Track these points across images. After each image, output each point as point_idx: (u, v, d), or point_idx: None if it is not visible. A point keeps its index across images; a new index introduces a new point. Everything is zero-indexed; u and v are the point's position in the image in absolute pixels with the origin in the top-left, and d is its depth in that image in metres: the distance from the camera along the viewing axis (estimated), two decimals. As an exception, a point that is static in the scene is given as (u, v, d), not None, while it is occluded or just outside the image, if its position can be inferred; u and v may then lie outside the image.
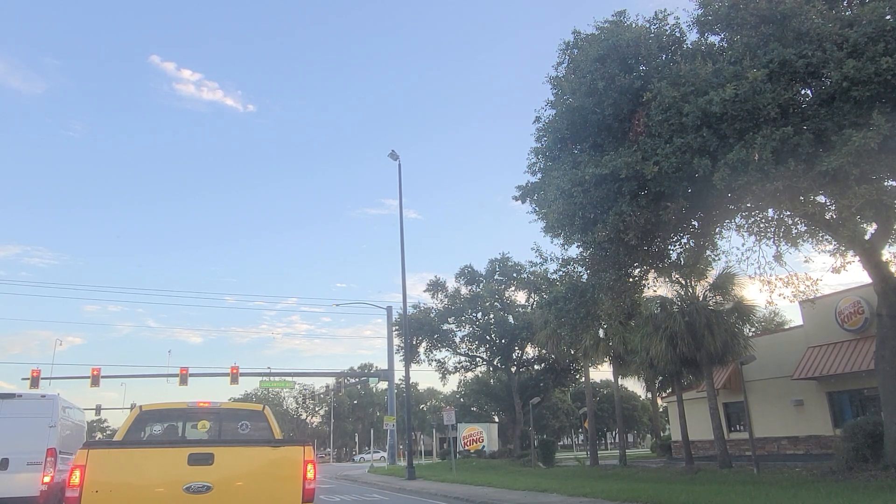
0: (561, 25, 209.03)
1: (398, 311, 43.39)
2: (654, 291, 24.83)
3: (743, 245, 18.54)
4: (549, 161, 18.04)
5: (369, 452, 70.60)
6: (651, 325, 24.78)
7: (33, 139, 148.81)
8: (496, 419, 63.72)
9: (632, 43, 15.62)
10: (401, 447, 49.39)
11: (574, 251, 19.18)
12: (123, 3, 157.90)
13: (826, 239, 17.48)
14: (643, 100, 14.81)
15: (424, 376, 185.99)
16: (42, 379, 39.70)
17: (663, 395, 42.86)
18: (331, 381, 77.14)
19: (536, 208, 18.14)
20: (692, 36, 16.41)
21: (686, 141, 13.94)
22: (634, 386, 50.71)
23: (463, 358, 47.48)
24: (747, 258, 18.48)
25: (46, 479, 11.83)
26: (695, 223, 18.38)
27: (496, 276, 46.23)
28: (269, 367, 51.28)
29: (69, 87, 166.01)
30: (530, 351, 45.23)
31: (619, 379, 35.57)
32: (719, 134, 13.85)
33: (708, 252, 20.29)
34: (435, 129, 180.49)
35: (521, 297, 45.87)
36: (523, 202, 18.76)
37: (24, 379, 39.29)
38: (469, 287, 46.42)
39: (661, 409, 55.25)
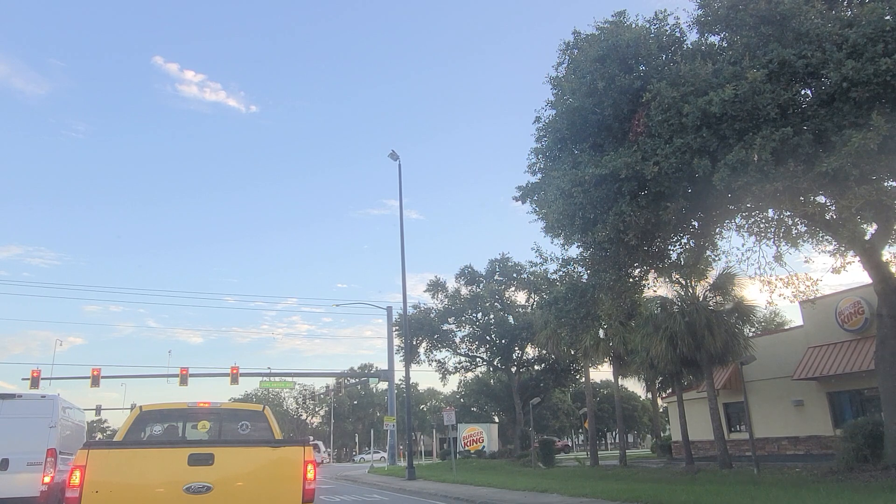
0: (561, 25, 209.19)
1: (398, 312, 43.47)
2: (654, 292, 24.85)
3: (743, 245, 18.58)
4: (549, 161, 18.06)
5: (369, 453, 70.60)
6: (651, 325, 24.78)
7: (36, 140, 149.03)
8: (496, 419, 63.71)
9: (632, 43, 15.63)
10: (401, 447, 49.42)
11: (574, 251, 19.20)
12: (127, 5, 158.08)
13: (826, 239, 17.49)
14: (643, 100, 14.81)
15: (424, 376, 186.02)
16: (42, 379, 39.71)
17: (663, 395, 42.85)
18: (331, 381, 77.16)
19: (536, 208, 18.15)
20: (692, 36, 16.44)
21: (686, 141, 13.95)
22: (634, 386, 50.65)
23: (463, 358, 47.48)
24: (747, 258, 18.51)
25: (46, 480, 11.84)
26: (695, 223, 18.38)
27: (496, 277, 46.22)
28: (269, 368, 51.28)
29: (73, 89, 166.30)
30: (530, 351, 45.22)
31: (620, 379, 35.56)
32: (719, 134, 13.85)
33: (708, 252, 20.29)
34: (435, 129, 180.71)
35: (521, 297, 45.92)
36: (523, 202, 18.78)
37: (24, 379, 39.36)
38: (469, 287, 46.42)
39: (661, 410, 55.22)
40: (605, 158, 15.13)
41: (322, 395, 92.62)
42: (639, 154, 14.76)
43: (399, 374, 47.78)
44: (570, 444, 65.37)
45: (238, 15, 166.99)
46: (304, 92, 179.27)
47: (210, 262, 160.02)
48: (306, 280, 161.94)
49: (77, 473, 6.02)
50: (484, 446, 49.75)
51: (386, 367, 50.71)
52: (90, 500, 5.99)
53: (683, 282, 24.60)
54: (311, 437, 72.00)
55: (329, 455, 74.61)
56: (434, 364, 46.56)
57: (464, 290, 46.38)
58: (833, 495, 12.41)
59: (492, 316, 44.98)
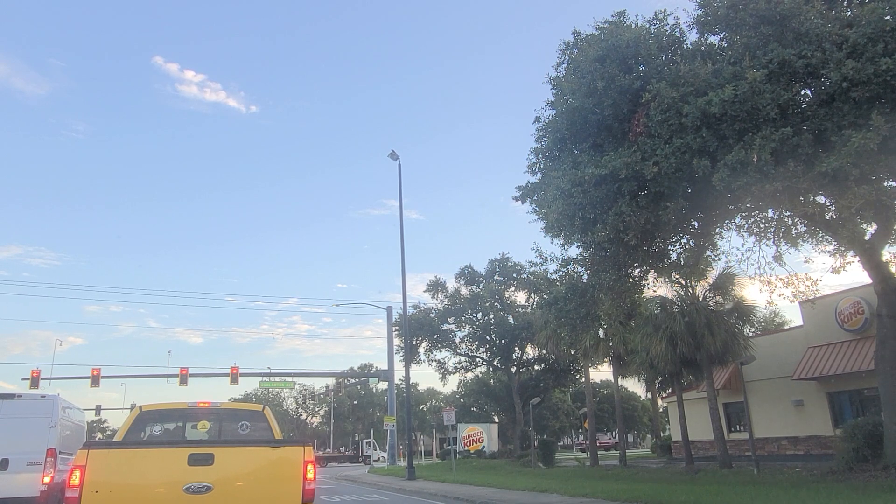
0: (561, 25, 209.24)
1: (398, 312, 43.46)
2: (654, 292, 24.85)
3: (743, 245, 18.58)
4: (549, 161, 18.06)
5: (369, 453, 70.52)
6: (651, 325, 24.78)
7: (36, 140, 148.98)
8: (496, 419, 63.66)
9: (631, 43, 15.63)
10: (401, 447, 49.41)
11: (574, 251, 19.22)
12: (127, 5, 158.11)
13: (826, 239, 17.48)
14: (643, 100, 14.82)
15: (424, 376, 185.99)
16: (42, 379, 39.71)
17: (663, 395, 42.81)
18: (331, 381, 77.27)
19: (536, 208, 18.15)
20: (692, 36, 16.44)
21: (685, 141, 13.95)
22: (634, 386, 50.63)
23: (463, 358, 47.46)
24: (747, 258, 18.51)
25: (46, 480, 11.84)
26: (695, 223, 18.39)
27: (496, 277, 46.22)
28: (269, 368, 51.33)
29: (73, 89, 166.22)
30: (530, 351, 45.22)
31: (619, 379, 35.54)
32: (719, 134, 13.85)
33: (708, 252, 20.30)
34: (435, 129, 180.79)
35: (521, 297, 45.90)
36: (523, 202, 18.79)
37: (24, 379, 39.36)
38: (469, 287, 46.42)
39: (661, 410, 55.21)
40: (604, 158, 15.13)
41: (322, 395, 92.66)
42: (638, 154, 14.76)
43: (399, 374, 47.82)
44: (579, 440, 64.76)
45: (238, 15, 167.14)
46: (304, 92, 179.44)
47: (210, 262, 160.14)
48: (306, 280, 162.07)
49: (77, 473, 6.01)
50: (484, 446, 49.74)
51: (386, 367, 50.71)
52: (90, 500, 5.98)
53: (683, 282, 24.61)
54: (370, 437, 68.34)
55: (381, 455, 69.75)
56: (434, 364, 46.61)
57: (464, 290, 46.39)
58: (833, 495, 12.42)
59: (492, 316, 44.98)
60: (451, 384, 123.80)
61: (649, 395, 57.35)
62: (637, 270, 19.67)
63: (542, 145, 18.35)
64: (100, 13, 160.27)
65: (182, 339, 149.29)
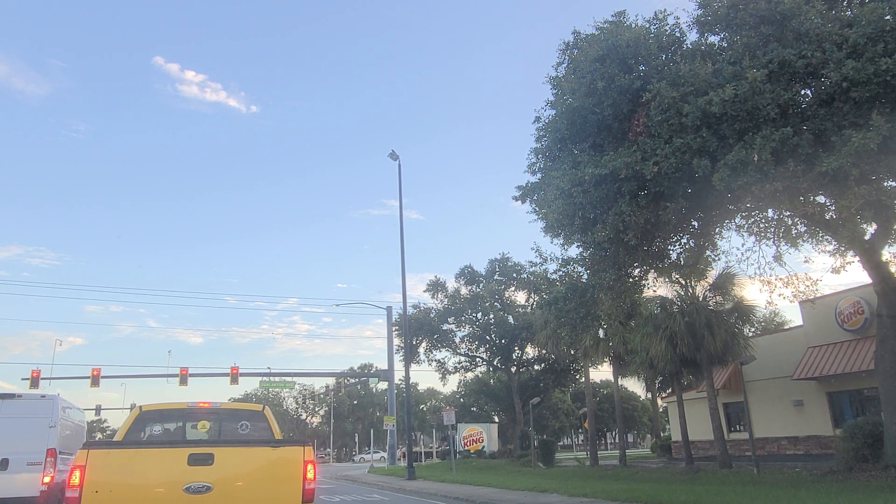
0: (561, 25, 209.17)
1: (398, 312, 43.45)
2: (654, 291, 24.83)
3: (743, 245, 18.56)
4: (549, 161, 18.05)
5: (369, 452, 70.55)
6: (651, 325, 24.77)
7: (36, 140, 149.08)
8: (496, 419, 63.68)
9: (631, 43, 15.61)
10: (401, 447, 49.40)
11: (574, 251, 19.19)
12: (127, 5, 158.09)
13: (826, 239, 17.47)
14: (643, 100, 14.81)
15: (424, 376, 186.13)
16: (42, 379, 39.69)
17: (663, 395, 42.80)
18: (331, 381, 77.24)
19: (536, 208, 18.14)
20: (692, 36, 16.42)
21: (685, 141, 13.94)
22: (634, 386, 50.57)
23: (463, 358, 47.48)
24: (747, 258, 18.49)
25: (46, 480, 11.83)
26: (695, 223, 18.37)
27: (496, 277, 46.22)
28: (269, 368, 51.26)
29: (73, 89, 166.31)
30: (530, 351, 45.22)
31: (619, 379, 35.53)
32: (719, 134, 13.85)
33: (708, 252, 20.28)
34: (435, 129, 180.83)
35: (521, 297, 45.92)
36: (523, 202, 18.77)
37: (24, 379, 39.34)
38: (469, 287, 46.42)
39: (661, 410, 55.20)
40: (604, 158, 15.12)
41: (322, 395, 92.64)
42: (638, 154, 14.75)
43: (399, 374, 47.80)
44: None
45: (238, 15, 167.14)
46: (304, 92, 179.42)
47: (210, 262, 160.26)
48: (306, 280, 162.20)
49: (77, 473, 6.01)
50: (484, 446, 49.73)
51: (386, 367, 50.69)
52: (90, 500, 5.97)
53: (683, 282, 24.60)
54: (452, 427, 62.90)
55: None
56: (434, 364, 46.64)
57: (464, 290, 46.39)
58: (833, 495, 12.42)
59: (492, 316, 44.97)
60: (451, 384, 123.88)
61: (649, 395, 57.34)
62: (637, 270, 19.66)
63: (542, 145, 18.34)
64: (100, 13, 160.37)
65: (182, 339, 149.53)
